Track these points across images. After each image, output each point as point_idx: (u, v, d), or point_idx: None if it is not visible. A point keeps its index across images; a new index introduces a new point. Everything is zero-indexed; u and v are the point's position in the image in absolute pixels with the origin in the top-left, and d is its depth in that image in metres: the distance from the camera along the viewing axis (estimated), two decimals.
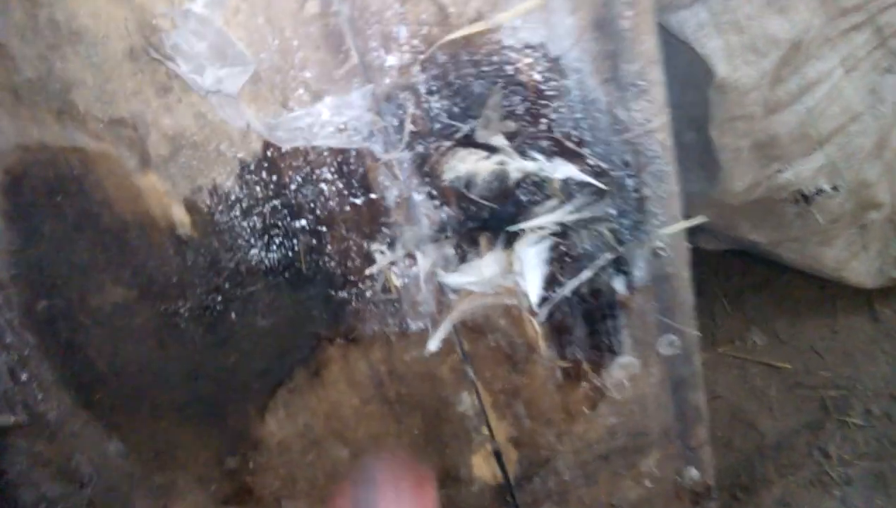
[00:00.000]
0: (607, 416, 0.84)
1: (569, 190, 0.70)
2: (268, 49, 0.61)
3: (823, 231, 1.21)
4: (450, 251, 0.71)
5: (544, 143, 0.68)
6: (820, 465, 1.23)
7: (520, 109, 0.66)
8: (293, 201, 0.67)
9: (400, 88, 0.64)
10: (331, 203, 0.67)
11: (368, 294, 0.72)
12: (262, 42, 0.61)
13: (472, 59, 0.64)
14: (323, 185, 0.66)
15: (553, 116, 0.67)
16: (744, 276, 1.43)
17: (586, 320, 0.78)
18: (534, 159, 0.68)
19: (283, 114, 0.63)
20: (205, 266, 0.68)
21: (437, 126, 0.66)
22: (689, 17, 0.97)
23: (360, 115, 0.64)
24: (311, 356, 0.74)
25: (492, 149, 0.67)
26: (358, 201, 0.68)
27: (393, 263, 0.71)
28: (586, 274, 0.74)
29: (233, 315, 0.71)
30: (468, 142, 0.67)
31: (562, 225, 0.71)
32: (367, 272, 0.71)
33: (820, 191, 1.16)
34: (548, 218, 0.70)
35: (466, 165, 0.68)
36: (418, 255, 0.71)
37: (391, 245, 0.70)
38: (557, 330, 0.77)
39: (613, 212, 0.72)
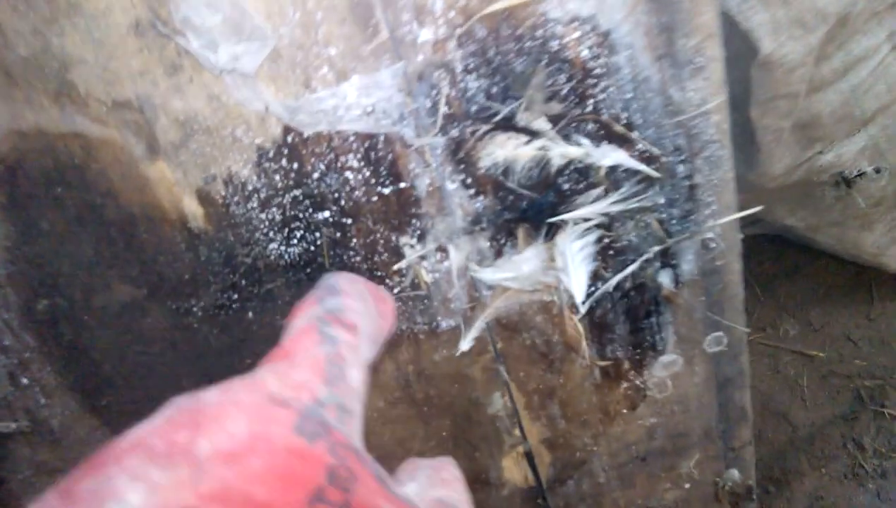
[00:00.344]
0: (647, 417, 0.79)
1: (615, 177, 0.64)
2: (288, 22, 0.54)
3: (864, 215, 1.15)
4: (484, 244, 0.66)
5: (590, 127, 0.62)
6: (854, 458, 1.18)
7: (565, 89, 0.60)
8: (316, 191, 0.61)
9: (434, 66, 0.58)
10: (356, 193, 0.61)
11: (396, 290, 0.66)
12: (282, 14, 0.54)
13: (513, 34, 0.57)
14: (348, 174, 0.60)
15: (601, 97, 0.61)
16: (776, 262, 1.38)
17: (629, 317, 0.72)
18: (579, 144, 0.62)
19: (305, 95, 0.57)
20: (219, 262, 0.63)
21: (474, 108, 0.60)
22: None
23: (389, 96, 0.58)
24: None
25: (533, 134, 0.61)
26: (386, 191, 0.62)
27: (423, 257, 0.65)
28: (631, 269, 0.68)
29: (250, 314, 0.65)
30: (507, 125, 0.61)
31: (606, 215, 0.65)
32: (396, 267, 0.65)
33: (861, 174, 1.10)
34: (593, 208, 0.64)
35: (505, 151, 0.61)
36: (450, 249, 0.65)
37: (421, 238, 0.64)
38: (598, 327, 0.72)
39: (662, 201, 0.66)
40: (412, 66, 0.57)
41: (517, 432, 0.78)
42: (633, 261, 0.68)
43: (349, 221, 0.62)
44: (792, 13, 0.91)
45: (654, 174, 0.64)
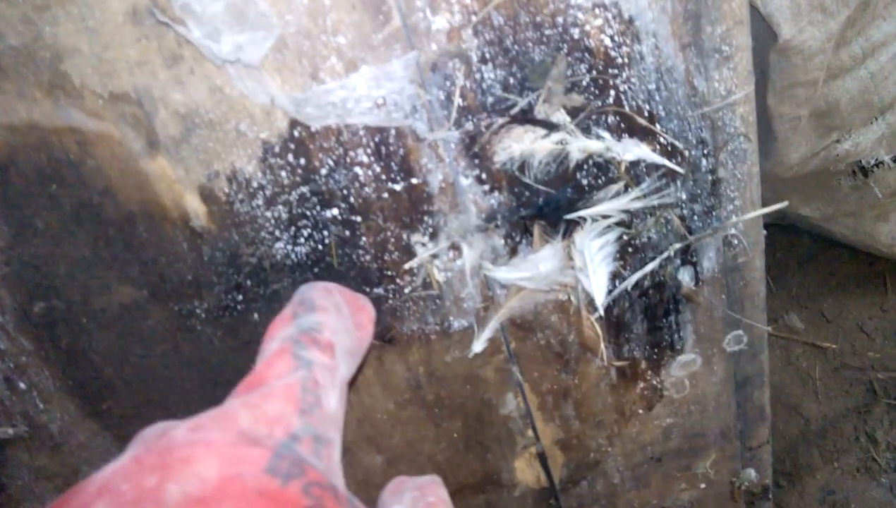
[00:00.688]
0: (663, 417, 0.77)
1: (636, 172, 0.61)
2: (295, 10, 0.51)
3: (880, 205, 1.12)
4: (499, 242, 0.63)
5: (612, 119, 0.59)
6: (867, 451, 1.17)
7: (586, 80, 0.57)
8: (323, 188, 0.58)
9: (448, 56, 0.55)
10: (366, 189, 0.59)
11: (407, 290, 0.64)
12: (289, 1, 0.51)
13: (533, 21, 0.54)
14: (358, 169, 0.58)
15: (623, 88, 0.58)
16: (788, 252, 1.35)
17: (647, 316, 0.70)
18: (599, 138, 0.59)
19: (313, 87, 0.54)
20: (223, 262, 0.60)
21: (490, 100, 0.57)
22: None
23: (401, 88, 0.55)
24: None
25: (551, 127, 0.58)
26: (397, 187, 0.59)
27: (435, 256, 0.63)
28: (651, 267, 0.66)
29: (255, 316, 0.62)
30: (525, 118, 0.58)
31: (626, 212, 0.63)
32: (407, 266, 0.62)
33: (879, 163, 1.07)
34: (613, 204, 0.61)
35: (522, 145, 0.59)
36: (464, 247, 0.62)
37: (434, 236, 0.62)
38: (615, 327, 0.69)
39: (684, 196, 0.63)
40: (425, 56, 0.54)
41: (530, 433, 0.76)
42: (653, 259, 0.66)
43: (358, 219, 0.60)
44: None
45: (678, 169, 0.61)
